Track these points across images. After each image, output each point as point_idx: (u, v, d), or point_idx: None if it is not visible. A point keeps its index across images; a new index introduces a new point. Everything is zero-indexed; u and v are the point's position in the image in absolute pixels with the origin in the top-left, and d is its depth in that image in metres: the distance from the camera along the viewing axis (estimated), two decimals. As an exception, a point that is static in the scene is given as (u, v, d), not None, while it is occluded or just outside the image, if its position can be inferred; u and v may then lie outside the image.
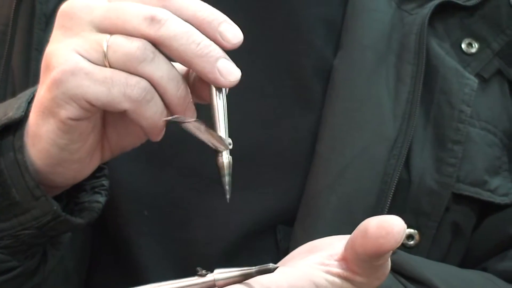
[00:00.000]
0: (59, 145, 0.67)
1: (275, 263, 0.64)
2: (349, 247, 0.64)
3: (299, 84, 0.85)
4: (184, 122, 0.65)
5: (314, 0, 0.86)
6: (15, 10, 0.85)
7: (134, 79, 0.63)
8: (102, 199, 0.75)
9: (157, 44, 0.64)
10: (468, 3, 0.87)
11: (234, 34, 0.66)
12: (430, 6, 0.85)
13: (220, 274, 0.62)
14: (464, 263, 0.86)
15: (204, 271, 0.62)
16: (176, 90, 0.65)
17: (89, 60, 0.64)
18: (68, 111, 0.64)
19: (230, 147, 0.67)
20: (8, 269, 0.72)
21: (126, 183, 0.84)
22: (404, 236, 0.62)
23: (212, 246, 0.83)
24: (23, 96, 0.72)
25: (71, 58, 0.64)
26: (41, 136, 0.67)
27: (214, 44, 0.65)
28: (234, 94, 0.83)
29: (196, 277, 0.62)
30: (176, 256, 0.84)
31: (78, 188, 0.74)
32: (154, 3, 0.65)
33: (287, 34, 0.85)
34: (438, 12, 0.86)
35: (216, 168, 0.67)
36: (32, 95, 0.70)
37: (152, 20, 0.63)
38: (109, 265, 0.86)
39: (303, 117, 0.84)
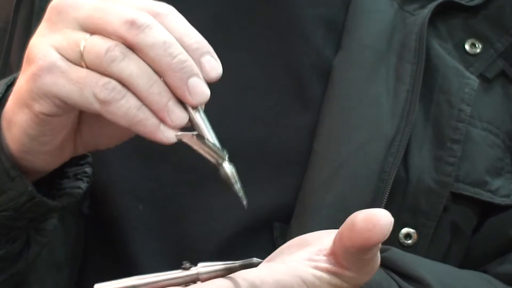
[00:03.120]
0: (30, 135, 0.67)
1: None
2: (337, 240, 0.64)
3: (298, 83, 0.85)
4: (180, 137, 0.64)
5: (314, 0, 0.86)
6: (16, 7, 0.86)
7: (103, 80, 0.64)
8: (83, 185, 0.75)
9: (134, 49, 0.64)
10: (471, 3, 0.87)
11: (213, 68, 0.65)
12: (431, 7, 0.85)
13: (203, 267, 0.62)
14: (464, 265, 0.86)
15: (188, 264, 0.62)
16: (148, 87, 0.64)
17: (67, 59, 0.64)
18: (42, 106, 0.65)
19: (226, 157, 0.66)
20: None
21: (121, 177, 0.84)
22: (391, 229, 0.61)
23: (207, 242, 0.83)
24: (4, 80, 0.73)
25: (50, 54, 0.64)
26: (15, 123, 0.68)
27: (191, 60, 0.64)
28: (234, 92, 0.84)
29: (179, 270, 0.62)
30: (171, 251, 0.84)
31: (61, 175, 0.75)
32: (146, 10, 0.65)
33: (286, 33, 0.85)
34: (441, 13, 0.86)
35: (222, 181, 0.66)
36: (12, 79, 0.71)
37: (132, 24, 0.63)
38: (103, 260, 0.86)
39: (301, 115, 0.84)
